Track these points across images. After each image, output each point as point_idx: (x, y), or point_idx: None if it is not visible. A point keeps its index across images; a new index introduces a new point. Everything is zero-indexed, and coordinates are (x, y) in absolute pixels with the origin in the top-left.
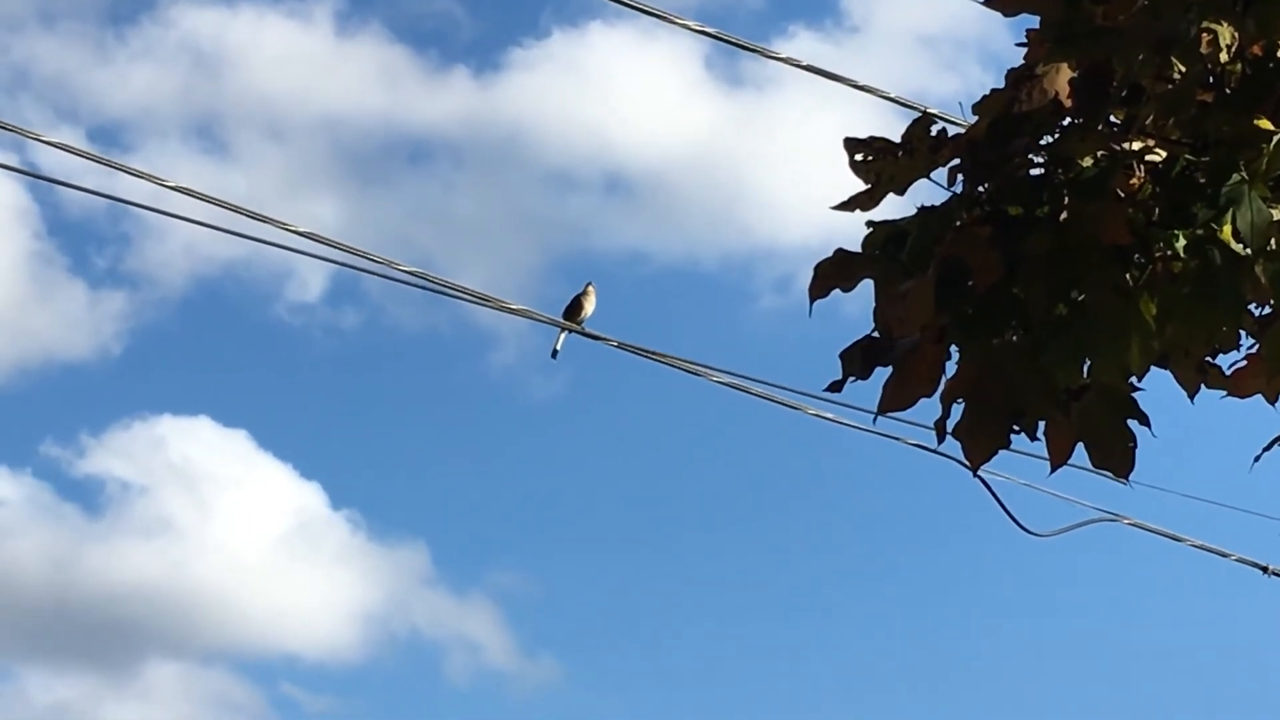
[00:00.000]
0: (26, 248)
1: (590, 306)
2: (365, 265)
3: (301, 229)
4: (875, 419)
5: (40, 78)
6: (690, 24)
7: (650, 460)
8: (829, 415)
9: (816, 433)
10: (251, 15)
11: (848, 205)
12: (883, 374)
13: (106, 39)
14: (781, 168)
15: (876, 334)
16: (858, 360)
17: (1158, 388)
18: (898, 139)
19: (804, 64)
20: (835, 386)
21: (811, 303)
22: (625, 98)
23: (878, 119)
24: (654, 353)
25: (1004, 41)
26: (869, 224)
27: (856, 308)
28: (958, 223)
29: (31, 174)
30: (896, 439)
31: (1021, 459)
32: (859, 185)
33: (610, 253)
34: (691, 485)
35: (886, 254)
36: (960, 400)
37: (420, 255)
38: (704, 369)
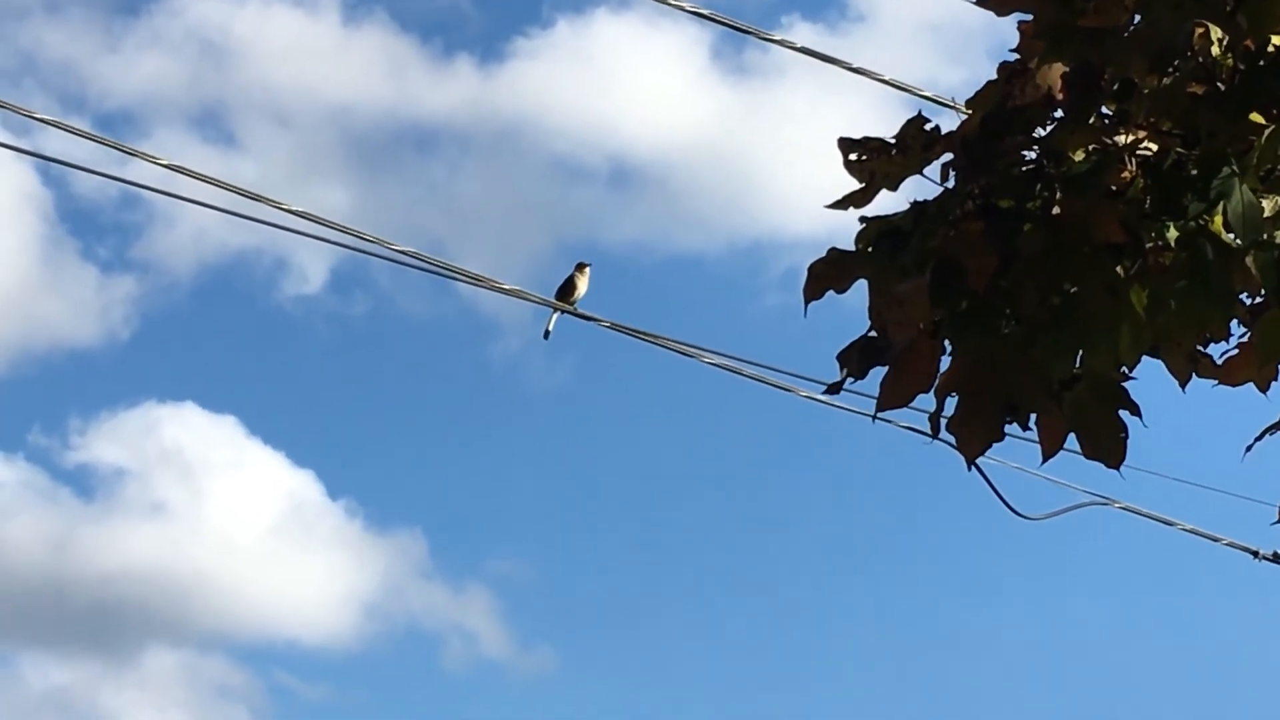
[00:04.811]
0: (37, 231)
1: (584, 286)
2: (363, 246)
3: (297, 209)
4: (874, 419)
5: (47, 65)
6: (684, 4)
7: (648, 448)
8: (819, 397)
9: (809, 415)
10: (258, 5)
11: (842, 204)
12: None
13: (114, 27)
14: (788, 158)
15: (873, 333)
16: (855, 360)
17: (1149, 373)
18: (893, 132)
19: (798, 46)
20: (834, 388)
21: (807, 304)
22: (630, 87)
23: (884, 107)
24: (646, 334)
25: (1012, 30)
26: (861, 219)
27: (857, 296)
28: (951, 218)
29: (43, 156)
30: (889, 422)
31: (1013, 441)
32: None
33: (616, 242)
34: (688, 472)
35: (880, 252)
36: (954, 394)
37: (429, 242)
38: (696, 350)
